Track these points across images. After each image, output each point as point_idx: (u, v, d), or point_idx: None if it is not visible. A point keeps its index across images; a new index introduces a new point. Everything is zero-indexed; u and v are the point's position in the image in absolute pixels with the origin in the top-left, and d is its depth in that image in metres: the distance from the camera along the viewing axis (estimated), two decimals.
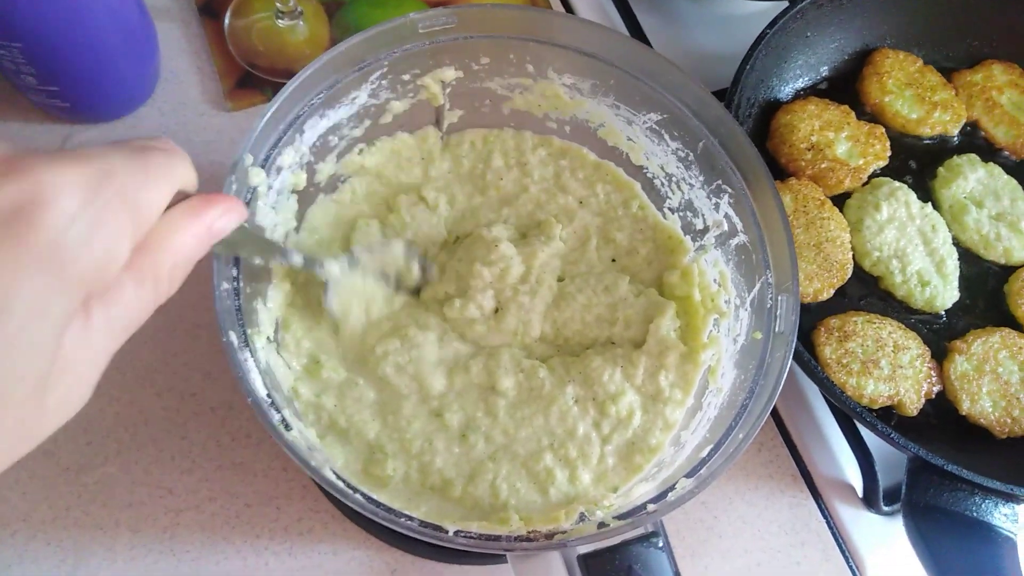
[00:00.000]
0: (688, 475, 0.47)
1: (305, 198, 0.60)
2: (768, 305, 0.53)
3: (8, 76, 0.69)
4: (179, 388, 0.69)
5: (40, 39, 0.63)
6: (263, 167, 0.53)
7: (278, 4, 0.80)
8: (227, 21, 0.83)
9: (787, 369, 0.49)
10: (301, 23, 0.83)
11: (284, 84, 0.53)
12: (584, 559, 0.42)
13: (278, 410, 0.47)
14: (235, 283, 0.49)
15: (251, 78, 0.81)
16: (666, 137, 0.61)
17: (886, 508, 0.70)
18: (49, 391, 0.31)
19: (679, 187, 0.63)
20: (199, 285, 0.71)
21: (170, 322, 0.70)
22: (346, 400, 0.58)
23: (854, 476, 0.72)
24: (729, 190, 0.58)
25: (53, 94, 0.70)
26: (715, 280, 0.62)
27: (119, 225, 0.32)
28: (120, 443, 0.67)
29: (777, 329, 0.51)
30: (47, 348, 0.31)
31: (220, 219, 0.39)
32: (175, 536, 0.65)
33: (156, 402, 0.68)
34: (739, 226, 0.58)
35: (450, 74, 0.61)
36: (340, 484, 0.45)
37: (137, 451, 0.66)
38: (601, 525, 0.45)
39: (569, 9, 0.92)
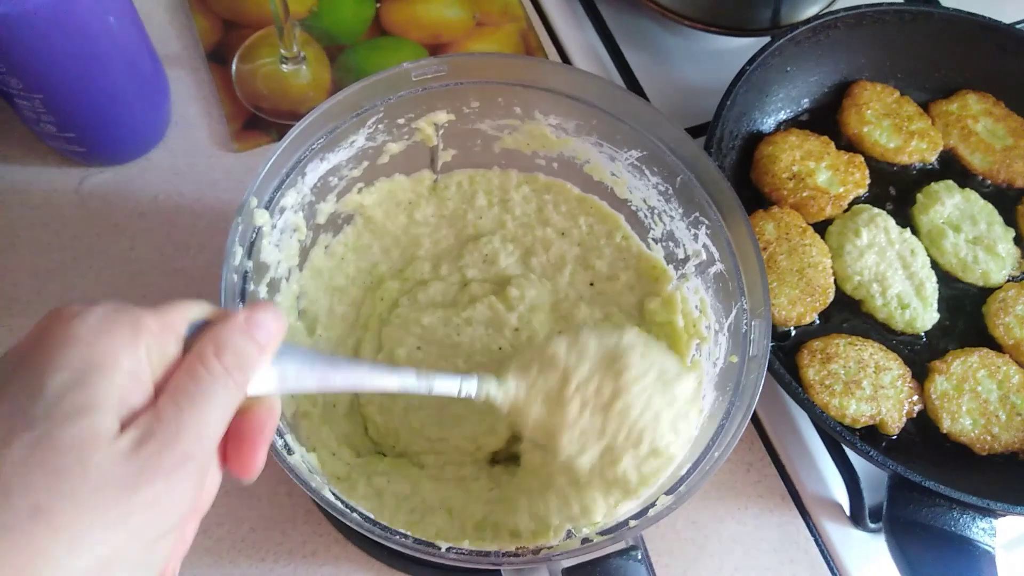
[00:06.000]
0: (667, 492, 0.50)
1: (307, 237, 0.64)
2: (743, 330, 0.56)
3: (28, 124, 0.74)
4: None
5: (61, 90, 0.68)
6: (267, 208, 0.57)
7: (282, 50, 0.84)
8: (234, 66, 0.87)
9: (760, 390, 0.52)
10: (304, 67, 0.87)
11: (288, 125, 0.57)
12: (568, 572, 0.45)
13: (281, 435, 0.50)
14: None
15: (257, 120, 0.85)
16: (647, 172, 0.65)
17: (872, 525, 0.71)
18: None
19: (660, 219, 0.67)
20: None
21: None
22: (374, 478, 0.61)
23: (841, 495, 0.74)
24: (706, 221, 0.61)
25: (71, 140, 0.75)
26: (696, 307, 0.65)
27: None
28: None
29: (751, 353, 0.54)
30: None
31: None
32: (183, 560, 0.67)
33: None
34: (716, 255, 0.61)
35: (442, 117, 0.65)
36: (339, 504, 0.48)
37: None
38: (585, 540, 0.48)
39: (560, 47, 0.96)
